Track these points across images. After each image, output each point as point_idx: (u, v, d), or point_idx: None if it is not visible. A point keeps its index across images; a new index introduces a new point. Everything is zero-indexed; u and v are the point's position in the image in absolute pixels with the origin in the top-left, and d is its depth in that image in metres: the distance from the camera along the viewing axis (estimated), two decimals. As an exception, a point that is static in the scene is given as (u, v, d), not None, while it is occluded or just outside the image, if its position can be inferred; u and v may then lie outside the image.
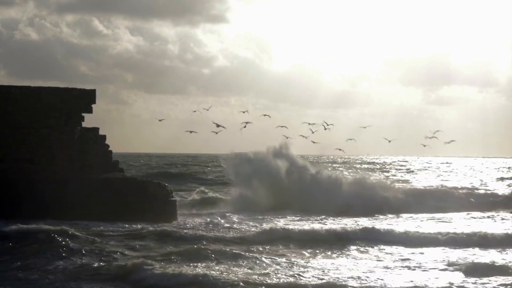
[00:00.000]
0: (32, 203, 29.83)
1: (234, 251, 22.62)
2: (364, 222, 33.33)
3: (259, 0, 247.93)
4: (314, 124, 38.13)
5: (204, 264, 20.56)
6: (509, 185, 60.24)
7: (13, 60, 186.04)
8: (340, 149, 39.64)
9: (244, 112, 41.34)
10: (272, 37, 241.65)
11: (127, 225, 28.62)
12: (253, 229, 28.69)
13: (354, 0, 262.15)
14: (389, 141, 37.35)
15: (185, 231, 27.20)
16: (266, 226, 29.79)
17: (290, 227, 29.33)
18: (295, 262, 21.36)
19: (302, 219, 34.42)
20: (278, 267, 20.61)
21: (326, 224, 32.26)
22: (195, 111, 38.50)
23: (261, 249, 23.86)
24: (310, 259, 22.35)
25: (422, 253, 23.79)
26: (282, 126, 41.03)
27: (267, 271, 19.87)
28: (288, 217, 35.28)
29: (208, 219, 32.40)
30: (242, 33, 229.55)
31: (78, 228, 26.87)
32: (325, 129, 36.48)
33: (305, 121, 37.81)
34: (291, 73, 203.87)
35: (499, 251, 24.39)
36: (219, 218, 33.04)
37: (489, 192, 50.29)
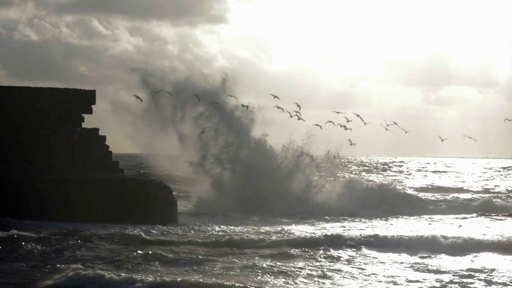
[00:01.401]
0: (32, 204, 29.80)
1: (191, 256, 21.87)
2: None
3: (259, 0, 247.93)
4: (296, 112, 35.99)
5: (148, 269, 20.07)
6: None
7: (13, 60, 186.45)
8: (352, 143, 37.29)
9: (231, 96, 39.96)
10: (271, 38, 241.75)
11: (118, 227, 28.05)
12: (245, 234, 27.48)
13: (353, 0, 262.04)
14: (365, 123, 35.90)
15: (167, 234, 26.68)
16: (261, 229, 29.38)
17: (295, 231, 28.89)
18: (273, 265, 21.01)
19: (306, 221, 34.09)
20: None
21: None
22: (157, 92, 36.81)
23: (234, 251, 23.29)
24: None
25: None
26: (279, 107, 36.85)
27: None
28: (285, 219, 34.50)
29: (207, 221, 32.10)
30: (242, 34, 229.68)
31: (54, 230, 26.60)
32: (348, 121, 35.17)
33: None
34: (291, 74, 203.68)
35: None
36: (216, 220, 32.69)
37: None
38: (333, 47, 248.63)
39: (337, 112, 34.56)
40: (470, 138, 34.78)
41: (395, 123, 34.10)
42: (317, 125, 36.26)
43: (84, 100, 32.33)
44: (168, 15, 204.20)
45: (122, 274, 18.93)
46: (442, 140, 35.94)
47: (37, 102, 31.73)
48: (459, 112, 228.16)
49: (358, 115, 34.07)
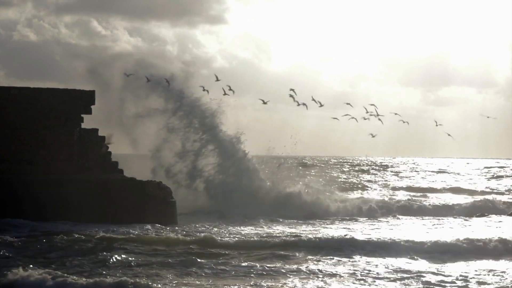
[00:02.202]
0: (31, 204, 29.75)
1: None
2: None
3: (258, 0, 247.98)
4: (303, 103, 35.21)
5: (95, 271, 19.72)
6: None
7: (12, 61, 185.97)
8: (373, 135, 36.99)
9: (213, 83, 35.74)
10: (271, 38, 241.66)
11: (115, 227, 27.91)
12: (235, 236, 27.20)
13: (353, 0, 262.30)
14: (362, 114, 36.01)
15: (163, 234, 26.54)
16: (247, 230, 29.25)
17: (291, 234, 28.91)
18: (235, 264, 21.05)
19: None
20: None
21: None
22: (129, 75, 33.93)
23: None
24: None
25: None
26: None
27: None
28: (286, 220, 34.01)
29: (206, 222, 31.86)
30: (241, 34, 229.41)
31: (49, 230, 26.57)
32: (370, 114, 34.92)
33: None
34: (290, 74, 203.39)
35: None
36: (215, 220, 32.56)
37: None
38: (333, 47, 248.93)
39: (347, 103, 35.06)
40: (449, 135, 36.30)
41: (396, 113, 34.72)
42: (334, 118, 36.49)
43: (84, 100, 32.30)
44: (167, 15, 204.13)
45: (90, 279, 18.30)
46: (437, 125, 36.85)
47: (37, 103, 31.69)
48: (458, 112, 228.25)
49: (372, 105, 34.73)
